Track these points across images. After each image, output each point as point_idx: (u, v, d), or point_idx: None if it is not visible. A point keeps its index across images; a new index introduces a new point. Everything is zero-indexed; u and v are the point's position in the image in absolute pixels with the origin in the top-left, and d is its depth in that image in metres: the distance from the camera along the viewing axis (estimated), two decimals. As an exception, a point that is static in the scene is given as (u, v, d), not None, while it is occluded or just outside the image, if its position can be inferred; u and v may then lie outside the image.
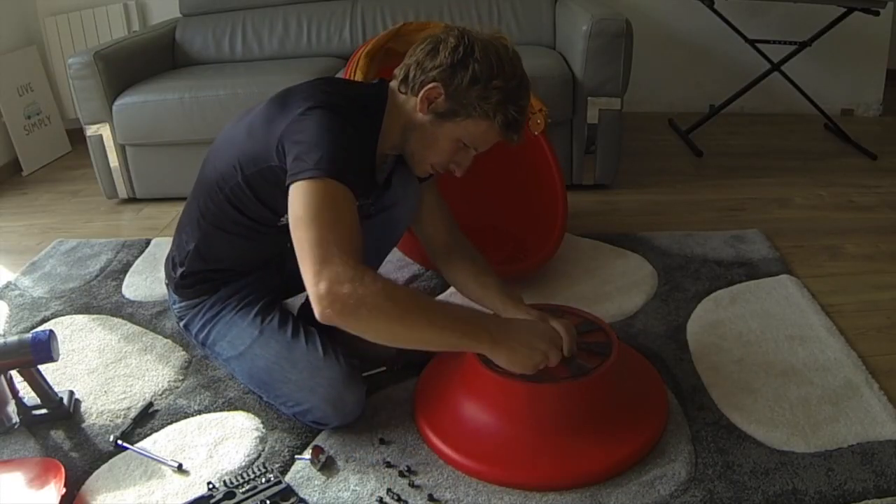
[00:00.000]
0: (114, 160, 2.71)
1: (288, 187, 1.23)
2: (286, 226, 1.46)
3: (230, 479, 1.33)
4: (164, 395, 1.61)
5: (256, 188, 1.38)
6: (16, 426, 1.53)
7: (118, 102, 2.61)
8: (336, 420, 1.43)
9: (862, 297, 1.91)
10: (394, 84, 1.40)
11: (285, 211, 1.41)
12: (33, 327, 1.93)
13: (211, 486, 1.32)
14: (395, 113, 1.38)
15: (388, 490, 1.31)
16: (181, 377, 1.68)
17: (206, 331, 1.53)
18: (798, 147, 3.11)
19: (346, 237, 1.17)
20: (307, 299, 1.71)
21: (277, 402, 1.48)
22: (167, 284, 1.61)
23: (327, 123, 1.24)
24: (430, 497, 1.29)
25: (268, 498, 1.29)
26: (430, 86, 1.31)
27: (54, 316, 1.98)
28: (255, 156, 1.34)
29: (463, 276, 1.60)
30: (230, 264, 1.52)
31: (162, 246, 2.35)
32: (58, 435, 1.51)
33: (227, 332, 1.50)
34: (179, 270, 1.53)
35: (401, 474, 1.35)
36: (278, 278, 1.61)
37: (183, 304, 1.56)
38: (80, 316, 1.97)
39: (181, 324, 1.59)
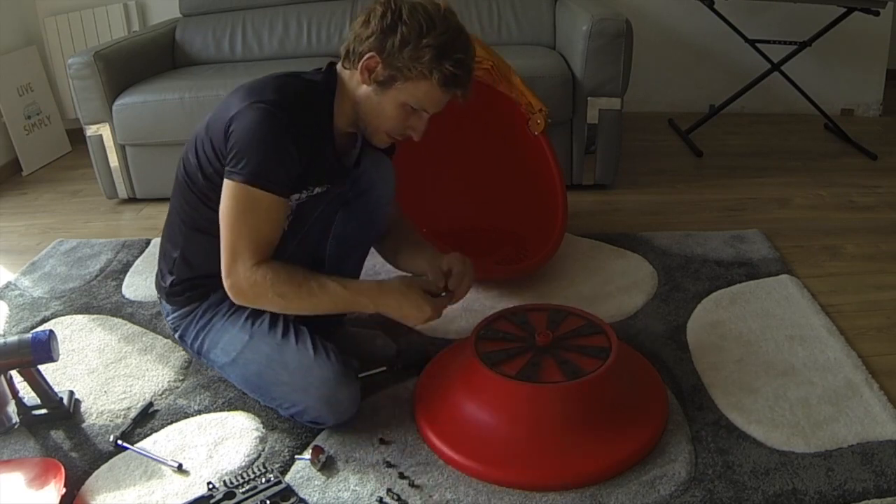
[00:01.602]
0: (114, 160, 2.71)
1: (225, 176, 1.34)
2: None
3: (230, 479, 1.33)
4: (164, 395, 1.61)
5: (218, 180, 1.38)
6: (16, 426, 1.53)
7: (118, 102, 2.61)
8: (332, 419, 1.43)
9: (862, 297, 1.91)
10: (340, 65, 1.41)
11: None
12: (33, 327, 1.93)
13: (211, 486, 1.32)
14: (344, 90, 1.40)
15: (388, 490, 1.31)
16: (181, 377, 1.68)
17: (199, 340, 1.52)
18: (798, 147, 3.11)
19: (255, 241, 1.34)
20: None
21: (274, 404, 1.48)
22: (159, 297, 1.60)
23: (264, 125, 1.29)
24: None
25: (268, 498, 1.29)
26: (367, 56, 1.33)
27: (54, 316, 1.98)
28: (216, 149, 1.36)
29: (392, 246, 1.67)
30: (216, 268, 1.51)
31: (162, 246, 2.35)
32: (58, 435, 1.51)
33: (220, 339, 1.49)
34: (169, 280, 1.52)
35: (401, 475, 1.35)
36: None
37: (176, 313, 1.55)
38: (80, 316, 1.97)
39: (176, 335, 1.58)
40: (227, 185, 1.32)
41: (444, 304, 1.46)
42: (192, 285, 1.52)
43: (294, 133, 1.32)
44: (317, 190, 1.46)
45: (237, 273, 1.34)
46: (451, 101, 1.39)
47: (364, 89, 1.37)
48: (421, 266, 1.58)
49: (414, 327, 1.46)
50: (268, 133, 1.29)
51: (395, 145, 1.54)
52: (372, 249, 1.73)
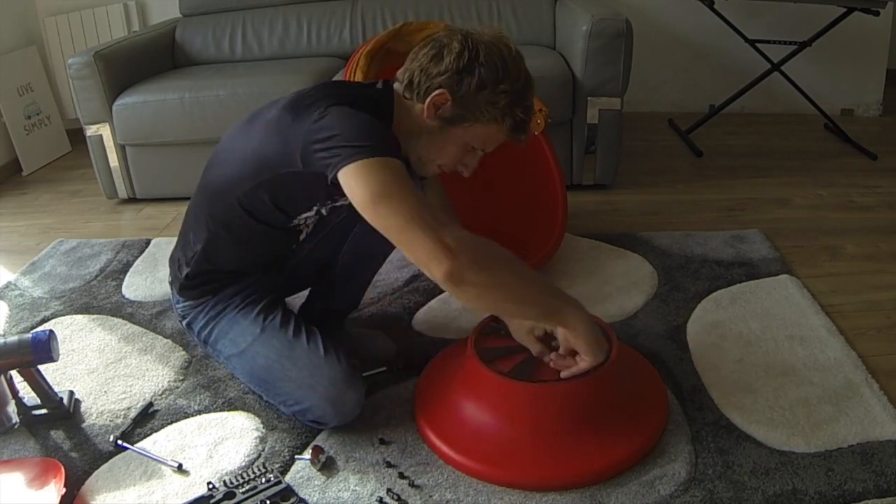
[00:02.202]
0: (114, 160, 2.71)
1: (332, 180, 1.22)
2: (295, 227, 1.46)
3: (230, 479, 1.34)
4: (164, 395, 1.61)
5: (273, 193, 1.38)
6: (16, 426, 1.53)
7: (118, 102, 2.61)
8: (335, 419, 1.43)
9: (862, 297, 1.91)
10: (397, 87, 1.38)
11: (299, 213, 1.41)
12: (33, 327, 1.93)
13: (211, 486, 1.32)
14: (401, 116, 1.37)
15: (388, 490, 1.31)
16: (181, 377, 1.68)
17: (208, 328, 1.53)
18: (798, 147, 3.11)
19: (429, 207, 1.21)
20: (308, 298, 1.72)
21: (277, 400, 1.48)
22: (171, 283, 1.61)
23: (350, 113, 1.25)
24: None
25: (268, 498, 1.29)
26: (437, 92, 1.30)
27: (54, 316, 1.98)
28: (273, 162, 1.33)
29: None
30: (236, 265, 1.52)
31: (162, 246, 2.35)
32: (58, 435, 1.51)
33: (229, 330, 1.50)
34: (185, 271, 1.52)
35: (401, 475, 1.35)
36: (281, 278, 1.61)
37: (186, 303, 1.56)
38: (80, 316, 1.97)
39: (184, 322, 1.59)
40: (352, 169, 1.18)
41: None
42: (208, 279, 1.52)
43: (374, 122, 1.27)
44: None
45: (452, 231, 1.17)
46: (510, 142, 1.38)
47: (427, 123, 1.34)
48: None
49: (585, 361, 1.33)
50: (361, 117, 1.24)
51: None
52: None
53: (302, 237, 1.53)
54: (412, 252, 1.18)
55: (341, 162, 1.19)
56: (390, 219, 1.18)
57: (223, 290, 1.52)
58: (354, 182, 1.19)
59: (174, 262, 1.58)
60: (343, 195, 1.24)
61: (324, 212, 1.45)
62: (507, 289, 1.25)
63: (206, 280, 1.52)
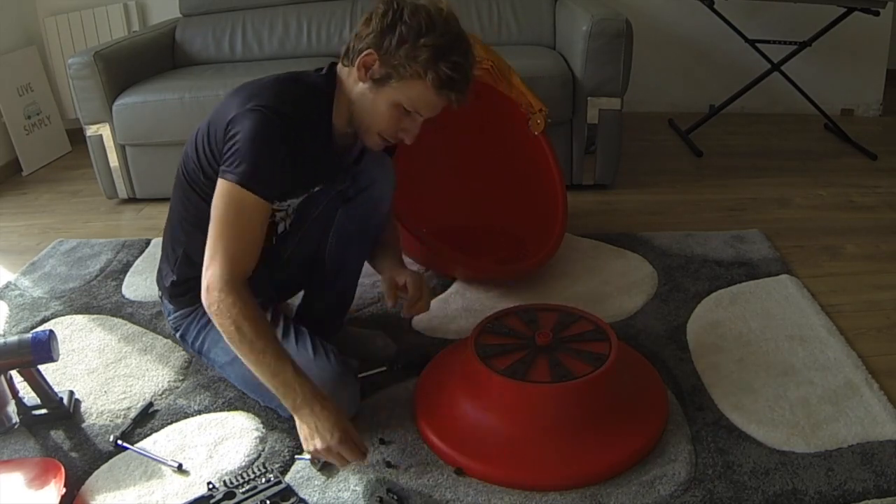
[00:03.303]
0: (114, 160, 2.71)
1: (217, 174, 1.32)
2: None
3: (230, 479, 1.33)
4: (164, 395, 1.61)
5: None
6: (16, 426, 1.53)
7: (118, 102, 2.61)
8: None
9: (862, 297, 1.91)
10: (340, 65, 1.42)
11: None
12: (33, 327, 1.93)
13: (211, 486, 1.32)
14: (342, 89, 1.40)
15: (388, 490, 1.31)
16: (181, 377, 1.68)
17: (200, 338, 1.53)
18: (798, 147, 3.11)
19: (239, 249, 1.30)
20: (304, 299, 1.72)
21: (273, 405, 1.48)
22: (160, 296, 1.60)
23: (262, 130, 1.29)
24: (381, 440, 1.32)
25: (268, 498, 1.29)
26: (365, 53, 1.33)
27: (54, 316, 1.98)
28: (214, 148, 1.36)
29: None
30: None
31: (162, 246, 2.35)
32: (58, 435, 1.51)
33: (220, 339, 1.47)
34: (171, 279, 1.52)
35: (401, 475, 1.34)
36: (269, 281, 1.60)
37: (177, 313, 1.55)
38: (80, 316, 1.97)
39: (177, 334, 1.58)
40: (220, 184, 1.31)
41: (355, 453, 1.30)
42: (194, 285, 1.51)
43: (291, 139, 1.32)
44: (316, 188, 1.47)
45: (211, 274, 1.29)
46: (446, 106, 1.38)
47: (360, 87, 1.36)
48: (381, 267, 1.63)
49: (310, 451, 1.30)
50: (264, 138, 1.29)
51: (396, 145, 1.54)
52: None
53: (281, 230, 1.53)
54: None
55: (223, 172, 1.31)
56: (209, 237, 1.31)
57: None
58: (216, 197, 1.32)
59: (161, 274, 1.58)
60: (310, 186, 1.44)
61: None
62: (233, 343, 1.30)
63: (192, 286, 1.51)
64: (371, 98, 1.36)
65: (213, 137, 1.36)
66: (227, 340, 1.30)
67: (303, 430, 1.30)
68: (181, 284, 1.52)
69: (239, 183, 1.29)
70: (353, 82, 1.37)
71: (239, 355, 1.30)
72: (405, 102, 1.36)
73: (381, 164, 1.58)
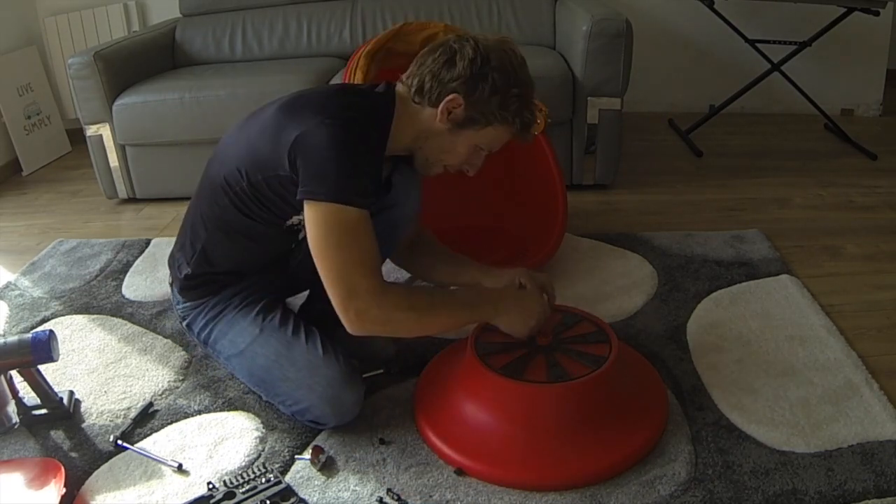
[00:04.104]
0: (114, 160, 2.71)
1: (300, 199, 1.29)
2: (291, 226, 1.46)
3: (230, 479, 1.34)
4: (164, 395, 1.61)
5: (262, 194, 1.39)
6: (16, 426, 1.53)
7: (118, 102, 2.61)
8: (334, 420, 1.43)
9: (862, 297, 1.91)
10: (401, 90, 1.41)
11: (290, 215, 1.42)
12: (33, 327, 1.93)
13: (211, 486, 1.32)
14: (407, 120, 1.39)
15: (388, 490, 1.31)
16: (181, 377, 1.68)
17: (207, 329, 1.53)
18: (798, 147, 3.11)
19: (367, 261, 1.29)
20: (308, 299, 1.72)
21: (276, 400, 1.48)
22: (171, 284, 1.61)
23: (341, 140, 1.27)
24: (381, 440, 1.41)
25: (268, 498, 1.29)
26: (450, 97, 1.34)
27: (54, 316, 1.98)
28: (263, 162, 1.35)
29: (429, 261, 1.69)
30: (235, 266, 1.53)
31: (162, 246, 2.35)
32: (58, 435, 1.51)
33: (229, 331, 1.50)
34: (185, 272, 1.53)
35: (401, 475, 1.35)
36: (281, 278, 1.61)
37: (186, 304, 1.56)
38: (80, 316, 1.97)
39: (184, 323, 1.59)
40: (312, 208, 1.28)
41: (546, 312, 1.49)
42: (208, 280, 1.53)
43: (368, 146, 1.32)
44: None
45: (363, 302, 1.28)
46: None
47: (438, 126, 1.38)
48: (473, 279, 1.62)
49: (526, 333, 1.46)
50: (346, 148, 1.27)
51: None
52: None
53: (301, 236, 1.54)
54: (330, 297, 1.30)
55: (308, 194, 1.28)
56: (322, 273, 1.30)
57: (223, 290, 1.52)
58: (310, 222, 1.30)
59: (174, 262, 1.58)
60: None
61: None
62: (406, 331, 1.40)
63: (205, 281, 1.53)
64: (450, 139, 1.40)
65: (272, 151, 1.32)
66: (412, 331, 1.39)
67: (512, 322, 1.44)
68: (195, 278, 1.52)
69: (334, 200, 1.27)
70: (428, 119, 1.38)
71: (429, 328, 1.41)
72: (483, 144, 1.42)
73: (410, 186, 1.57)
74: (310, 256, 1.57)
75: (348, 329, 1.30)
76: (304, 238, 1.54)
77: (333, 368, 1.40)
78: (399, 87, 1.42)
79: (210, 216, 1.47)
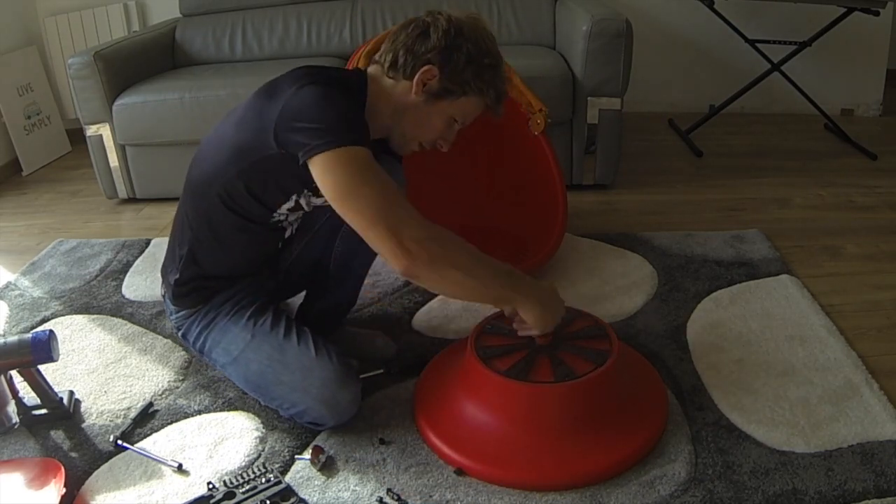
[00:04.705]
0: (114, 160, 2.71)
1: (303, 164, 1.26)
2: (278, 222, 1.46)
3: (230, 479, 1.34)
4: (164, 395, 1.61)
5: (249, 182, 1.38)
6: (16, 426, 1.53)
7: (118, 102, 2.61)
8: (331, 420, 1.43)
9: (862, 297, 1.91)
10: (373, 69, 1.42)
11: (278, 204, 1.41)
12: (33, 327, 1.93)
13: (211, 486, 1.32)
14: (383, 97, 1.40)
15: (388, 490, 1.31)
16: (181, 377, 1.68)
17: (202, 339, 1.52)
18: (798, 147, 3.11)
19: (395, 192, 1.25)
20: (305, 299, 1.72)
21: (273, 404, 1.48)
22: (163, 294, 1.60)
23: (325, 95, 1.27)
24: (381, 440, 1.35)
25: (268, 498, 1.29)
26: (425, 68, 1.35)
27: (54, 316, 1.98)
28: (249, 148, 1.35)
29: None
30: (224, 269, 1.51)
31: (162, 246, 2.33)
32: (58, 435, 1.51)
33: (222, 339, 1.49)
34: (174, 277, 1.52)
35: (401, 475, 1.35)
36: (272, 281, 1.61)
37: (180, 313, 1.55)
38: (80, 316, 1.97)
39: (179, 333, 1.58)
40: (320, 161, 1.23)
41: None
42: (197, 286, 1.51)
43: (351, 102, 1.32)
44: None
45: (413, 229, 1.22)
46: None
47: (413, 98, 1.38)
48: None
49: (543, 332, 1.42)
50: (332, 99, 1.27)
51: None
52: None
53: (287, 234, 1.53)
54: (376, 247, 1.25)
55: (312, 150, 1.24)
56: (356, 217, 1.24)
57: (214, 297, 1.51)
58: (324, 174, 1.24)
59: (165, 271, 1.57)
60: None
61: (304, 203, 1.44)
62: (457, 285, 1.29)
63: (196, 287, 1.51)
64: (424, 110, 1.39)
65: (257, 133, 1.32)
66: (460, 279, 1.26)
67: (529, 317, 1.38)
68: (184, 284, 1.51)
69: (338, 145, 1.23)
70: (403, 94, 1.38)
71: (472, 282, 1.28)
72: (458, 115, 1.42)
73: (392, 170, 1.56)
74: (302, 256, 1.57)
75: (404, 270, 1.23)
76: (293, 239, 1.54)
77: (327, 369, 1.40)
78: (371, 69, 1.43)
79: (195, 217, 1.47)
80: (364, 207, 1.23)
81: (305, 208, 1.46)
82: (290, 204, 1.44)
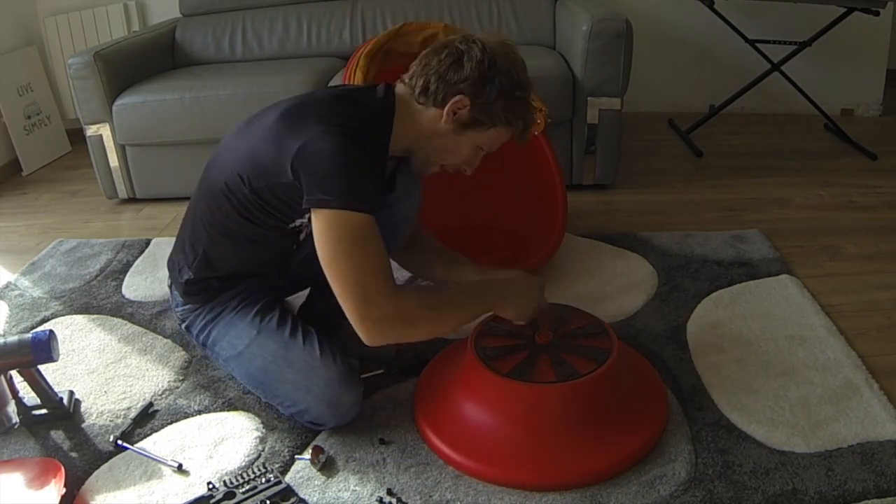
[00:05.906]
0: (114, 160, 2.71)
1: (306, 207, 1.29)
2: (294, 228, 1.46)
3: (230, 479, 1.34)
4: (164, 395, 1.61)
5: (265, 200, 1.38)
6: (16, 426, 1.53)
7: (118, 102, 2.61)
8: (332, 421, 1.43)
9: (862, 297, 1.91)
10: (402, 90, 1.41)
11: (294, 218, 1.42)
12: (33, 327, 1.93)
13: (211, 486, 1.32)
14: (409, 121, 1.40)
15: (388, 490, 1.31)
16: (181, 377, 1.68)
17: (206, 331, 1.53)
18: (798, 147, 3.11)
19: (379, 267, 1.28)
20: (308, 297, 1.72)
21: (275, 402, 1.48)
22: (170, 286, 1.60)
23: (344, 148, 1.27)
24: (381, 440, 1.41)
25: (268, 498, 1.29)
26: (457, 98, 1.35)
27: (54, 316, 1.98)
28: (266, 170, 1.34)
29: (427, 260, 1.71)
30: (237, 269, 1.52)
31: (162, 246, 2.35)
32: (58, 435, 1.51)
33: (227, 333, 1.50)
34: (186, 276, 1.52)
35: (400, 475, 1.35)
36: (280, 279, 1.61)
37: (186, 306, 1.56)
38: (80, 316, 1.97)
39: (183, 325, 1.59)
40: (319, 216, 1.28)
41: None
42: (208, 285, 1.52)
43: (371, 152, 1.33)
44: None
45: (379, 307, 1.26)
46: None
47: (442, 126, 1.38)
48: (470, 279, 1.62)
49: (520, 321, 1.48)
50: (349, 155, 1.27)
51: None
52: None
53: (302, 237, 1.54)
54: (343, 308, 1.29)
55: (316, 202, 1.28)
56: (334, 282, 1.28)
57: (223, 293, 1.52)
58: (319, 231, 1.29)
59: (173, 265, 1.57)
60: None
61: None
62: (429, 335, 1.37)
63: (206, 286, 1.52)
64: (453, 139, 1.40)
65: (275, 159, 1.32)
66: (432, 332, 1.36)
67: (516, 308, 1.46)
68: (196, 283, 1.52)
69: (341, 207, 1.26)
70: (432, 121, 1.39)
71: (445, 327, 1.40)
72: (484, 144, 1.43)
73: (410, 184, 1.58)
74: (312, 255, 1.57)
75: (366, 341, 1.29)
76: (307, 237, 1.54)
77: (331, 370, 1.40)
78: (400, 88, 1.42)
79: (211, 221, 1.46)
80: (341, 277, 1.27)
81: None
82: (304, 220, 1.44)
